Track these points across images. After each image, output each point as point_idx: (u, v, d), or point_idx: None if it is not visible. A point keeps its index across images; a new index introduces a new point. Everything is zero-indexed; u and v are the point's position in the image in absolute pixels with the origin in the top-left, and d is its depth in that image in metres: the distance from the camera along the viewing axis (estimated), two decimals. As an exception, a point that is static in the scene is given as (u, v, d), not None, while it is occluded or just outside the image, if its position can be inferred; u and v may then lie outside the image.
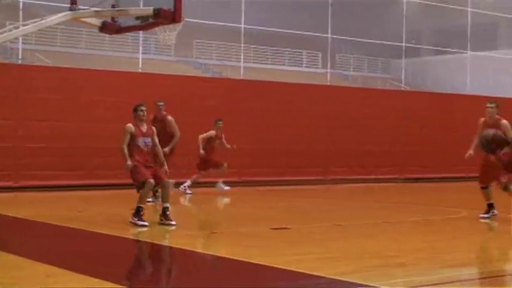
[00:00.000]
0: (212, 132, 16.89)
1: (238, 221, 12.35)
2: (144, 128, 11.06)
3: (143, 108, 11.09)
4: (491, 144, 6.61)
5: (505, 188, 12.25)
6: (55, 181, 17.63)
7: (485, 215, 12.35)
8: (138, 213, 10.66)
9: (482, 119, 12.51)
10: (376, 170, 22.89)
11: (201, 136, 16.78)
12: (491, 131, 6.63)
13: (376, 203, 16.64)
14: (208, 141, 16.87)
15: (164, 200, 10.94)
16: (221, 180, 17.90)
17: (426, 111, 23.84)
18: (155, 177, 10.77)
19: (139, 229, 10.43)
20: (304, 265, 7.68)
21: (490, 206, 12.41)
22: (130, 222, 10.65)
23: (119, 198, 14.83)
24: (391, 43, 29.23)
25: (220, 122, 17.10)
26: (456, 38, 30.98)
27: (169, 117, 14.37)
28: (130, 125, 10.97)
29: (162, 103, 14.42)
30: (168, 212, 10.78)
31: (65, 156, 17.88)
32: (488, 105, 12.51)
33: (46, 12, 15.64)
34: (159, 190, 11.81)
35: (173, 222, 10.70)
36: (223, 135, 17.13)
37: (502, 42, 34.54)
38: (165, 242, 9.25)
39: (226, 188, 17.84)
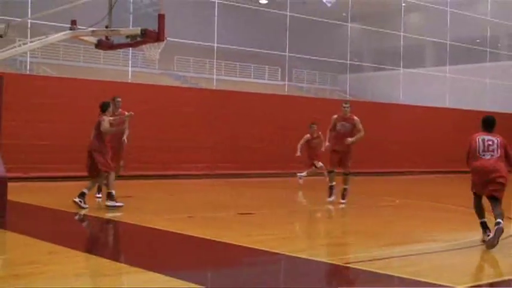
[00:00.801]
0: (307, 136, 17.01)
1: (210, 208, 12.34)
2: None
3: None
4: None
5: (346, 174, 12.45)
6: (56, 173, 17.43)
7: (330, 198, 12.56)
8: (112, 196, 10.88)
9: (336, 116, 12.76)
10: (325, 165, 22.93)
11: (300, 142, 16.94)
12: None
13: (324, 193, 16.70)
14: (306, 143, 17.00)
15: (110, 188, 11.03)
16: (304, 173, 17.58)
17: (367, 117, 23.92)
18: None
19: (120, 213, 10.40)
20: (265, 244, 7.71)
21: (332, 188, 12.62)
22: (106, 205, 10.83)
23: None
24: (338, 61, 29.44)
25: (314, 126, 17.11)
26: (391, 57, 31.31)
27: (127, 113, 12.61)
28: (110, 118, 11.43)
29: (120, 99, 12.77)
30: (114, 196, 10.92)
31: (64, 152, 17.66)
32: (344, 105, 12.98)
33: (50, 31, 15.46)
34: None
35: (121, 203, 10.85)
36: (320, 134, 16.73)
37: (428, 61, 34.96)
38: (147, 224, 9.17)
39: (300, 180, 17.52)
